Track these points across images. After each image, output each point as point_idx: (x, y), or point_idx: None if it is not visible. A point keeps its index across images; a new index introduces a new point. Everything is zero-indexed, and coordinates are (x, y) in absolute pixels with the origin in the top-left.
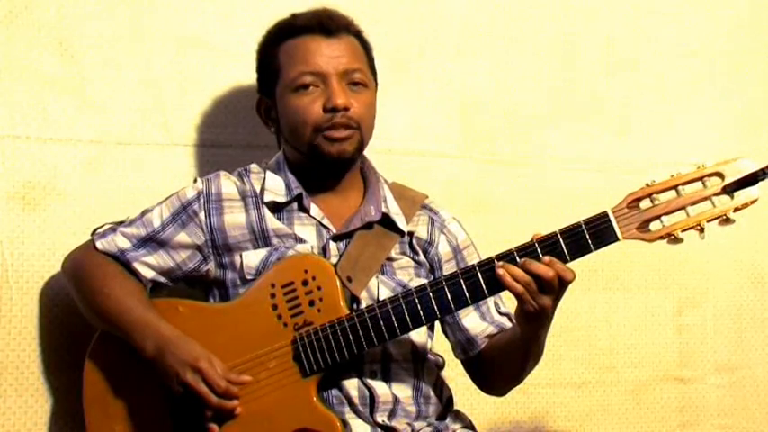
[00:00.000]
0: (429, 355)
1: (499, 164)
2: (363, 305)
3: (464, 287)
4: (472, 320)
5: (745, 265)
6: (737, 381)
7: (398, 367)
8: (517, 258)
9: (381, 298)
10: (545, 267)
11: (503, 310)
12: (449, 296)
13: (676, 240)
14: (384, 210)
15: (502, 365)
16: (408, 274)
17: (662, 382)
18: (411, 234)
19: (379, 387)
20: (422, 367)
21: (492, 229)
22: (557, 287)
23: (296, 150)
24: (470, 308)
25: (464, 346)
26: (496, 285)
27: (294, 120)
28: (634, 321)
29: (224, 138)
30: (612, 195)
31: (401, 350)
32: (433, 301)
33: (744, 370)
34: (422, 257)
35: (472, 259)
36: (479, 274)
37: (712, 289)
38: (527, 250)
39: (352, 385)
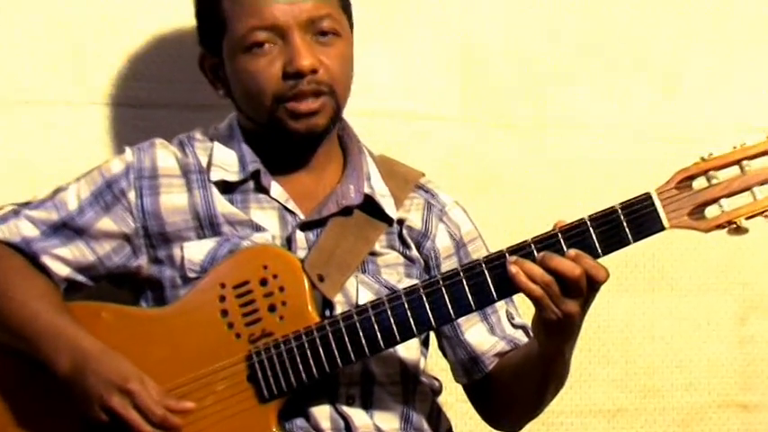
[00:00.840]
0: (422, 377)
1: (511, 130)
2: (338, 311)
3: (467, 289)
4: (478, 334)
5: None
6: None
7: (383, 391)
8: (535, 252)
9: (362, 302)
10: (570, 264)
11: (517, 321)
12: (447, 300)
13: (739, 230)
14: (367, 191)
15: (515, 392)
16: (397, 274)
17: (720, 410)
18: (401, 222)
19: (358, 417)
20: (413, 392)
21: (502, 212)
22: (585, 289)
23: (252, 121)
24: (475, 317)
25: (467, 366)
26: (508, 287)
27: (248, 87)
28: (684, 332)
29: (157, 95)
30: (656, 170)
31: (386, 369)
32: (426, 306)
33: None
34: (414, 252)
35: (480, 255)
36: (486, 272)
37: None
38: (547, 242)
39: (322, 414)
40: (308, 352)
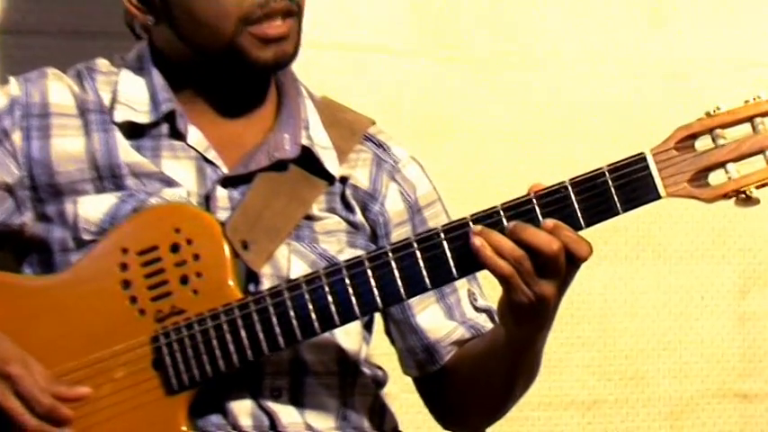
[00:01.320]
0: (364, 367)
1: (472, 65)
2: (265, 286)
3: (421, 263)
4: (432, 317)
5: None
6: None
7: (317, 384)
8: (504, 221)
9: (294, 276)
10: (547, 237)
11: (480, 303)
12: (397, 277)
13: (749, 200)
14: (305, 141)
15: (476, 388)
16: (338, 242)
17: (715, 400)
18: (345, 180)
19: (286, 413)
20: (352, 384)
21: (457, 163)
22: (563, 268)
23: (196, 52)
24: (430, 297)
25: (418, 356)
26: (471, 262)
27: (204, 9)
28: (674, 308)
29: (40, 20)
30: (644, 112)
31: (321, 357)
32: (372, 283)
33: None
34: (359, 217)
35: (438, 223)
36: (445, 243)
37: None
38: (520, 209)
39: (243, 409)
40: (227, 335)
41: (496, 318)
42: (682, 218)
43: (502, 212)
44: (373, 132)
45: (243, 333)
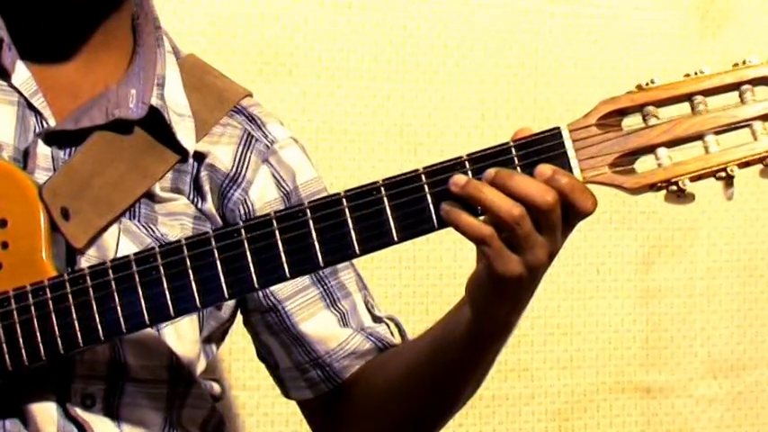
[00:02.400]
0: (197, 378)
1: None
2: (86, 265)
3: (280, 245)
4: (323, 325)
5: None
6: (744, 392)
7: (139, 392)
8: (468, 170)
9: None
10: (539, 185)
11: (378, 313)
12: (250, 261)
13: (681, 195)
14: (155, 101)
15: (404, 405)
16: (181, 228)
17: (612, 395)
18: (202, 158)
19: (99, 426)
20: (183, 395)
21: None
22: (558, 224)
23: None
24: (317, 303)
25: (309, 372)
26: (418, 224)
27: None
28: (563, 284)
29: None
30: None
31: (147, 362)
32: (219, 266)
33: (754, 372)
34: (209, 205)
35: None
36: (385, 194)
37: (706, 227)
38: (493, 159)
39: (45, 418)
40: (35, 321)
41: (399, 323)
42: None
43: (468, 162)
44: (247, 104)
45: (54, 320)
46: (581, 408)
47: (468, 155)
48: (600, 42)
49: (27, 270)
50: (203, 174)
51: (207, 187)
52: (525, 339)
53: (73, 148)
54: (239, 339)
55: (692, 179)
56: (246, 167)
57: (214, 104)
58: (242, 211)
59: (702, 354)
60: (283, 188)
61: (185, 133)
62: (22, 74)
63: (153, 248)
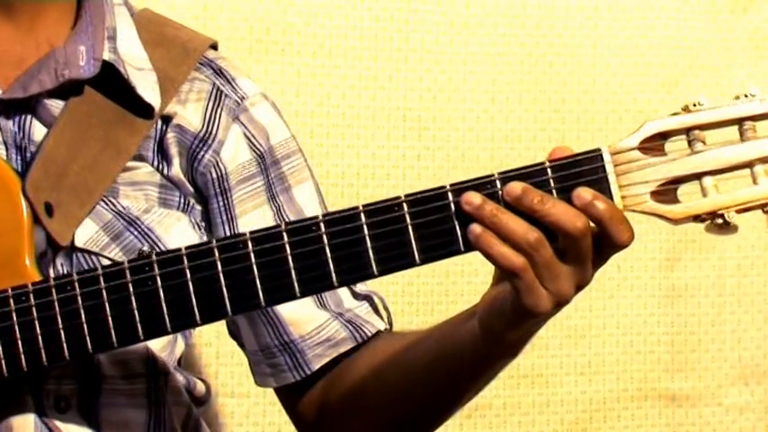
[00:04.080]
0: (175, 371)
1: None
2: (57, 265)
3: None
4: (298, 305)
5: None
6: None
7: (115, 390)
8: (499, 191)
9: (80, 242)
10: (567, 209)
11: (361, 288)
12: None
13: (725, 227)
14: (108, 56)
15: (392, 411)
16: (145, 199)
17: (634, 404)
18: (168, 120)
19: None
20: (162, 391)
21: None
22: (588, 254)
23: None
24: None
25: (276, 358)
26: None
27: None
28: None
29: None
30: None
31: (120, 357)
32: (222, 279)
33: None
34: (175, 170)
35: (299, 179)
36: (407, 211)
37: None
38: (527, 180)
39: (21, 424)
40: (17, 330)
41: (382, 306)
42: None
43: (499, 181)
44: (213, 57)
45: (37, 328)
46: (600, 417)
47: (500, 173)
48: (621, 19)
49: (7, 272)
50: (170, 136)
51: (173, 150)
52: (540, 342)
53: (21, 119)
54: (227, 343)
55: (739, 211)
56: (217, 126)
57: (179, 58)
58: (214, 175)
59: (733, 358)
60: (257, 149)
61: (146, 86)
62: None
63: (149, 256)
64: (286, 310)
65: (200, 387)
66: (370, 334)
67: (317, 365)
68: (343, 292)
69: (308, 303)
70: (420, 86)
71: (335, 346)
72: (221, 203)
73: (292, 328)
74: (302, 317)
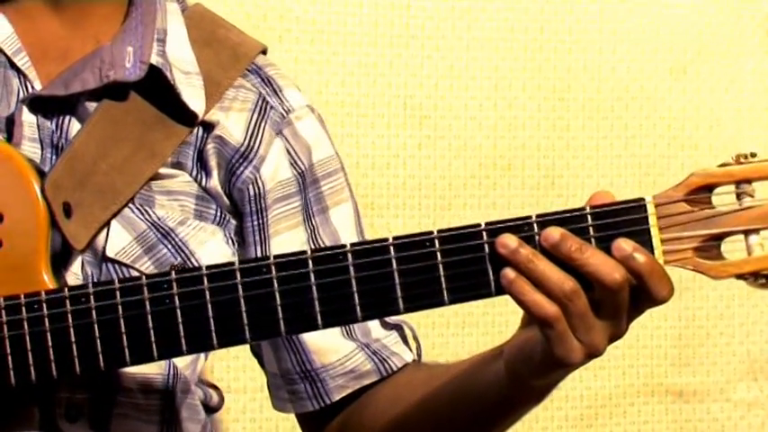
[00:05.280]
0: (195, 386)
1: None
2: (75, 269)
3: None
4: (325, 333)
5: None
6: None
7: (129, 407)
8: (536, 235)
9: (111, 252)
10: (606, 260)
11: (391, 317)
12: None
13: (766, 286)
14: (155, 59)
15: None
16: (181, 210)
17: (641, 400)
18: (210, 128)
19: None
20: (177, 408)
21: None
22: (624, 307)
23: None
24: None
25: (297, 385)
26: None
27: None
28: None
29: None
30: None
31: (139, 372)
32: (242, 304)
33: None
34: (214, 182)
35: (337, 201)
36: (439, 248)
37: None
38: (565, 226)
39: None
40: (27, 339)
41: (407, 338)
42: (590, 158)
43: (535, 223)
44: (262, 64)
45: (49, 339)
46: (606, 413)
47: (537, 215)
48: (628, 3)
49: (21, 276)
50: (210, 146)
51: (213, 162)
52: None
53: (60, 118)
54: None
55: None
56: (259, 141)
57: (228, 62)
58: (252, 192)
59: (741, 352)
60: (297, 167)
61: (192, 93)
62: (3, 29)
63: (169, 273)
64: (311, 338)
65: (215, 397)
66: (395, 368)
67: (337, 396)
68: (372, 321)
69: (334, 332)
70: (421, 73)
71: (359, 378)
72: (256, 222)
73: (316, 357)
74: (327, 346)
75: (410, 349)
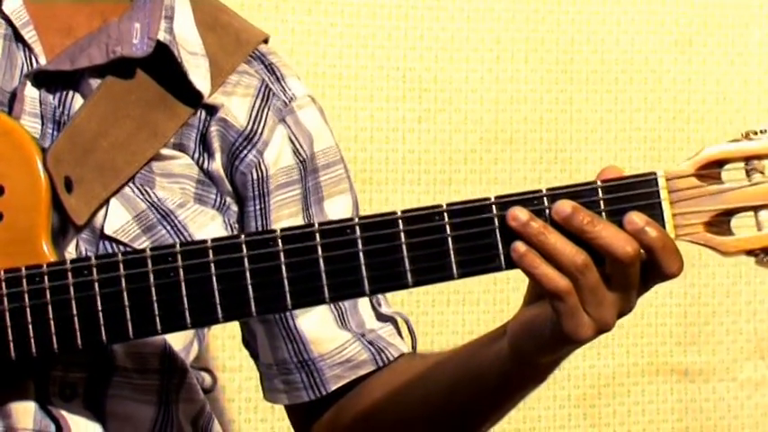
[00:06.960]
0: (191, 373)
1: None
2: (71, 246)
3: (321, 264)
4: (320, 324)
5: None
6: None
7: (127, 383)
8: (546, 209)
9: (109, 230)
10: (619, 233)
11: (385, 309)
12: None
13: None
14: (163, 36)
15: None
16: (182, 193)
17: (646, 379)
18: (213, 111)
19: (78, 421)
20: (176, 388)
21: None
22: (635, 281)
23: None
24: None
25: (292, 375)
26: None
27: None
28: None
29: None
30: None
31: (135, 347)
32: (248, 276)
33: None
34: (216, 165)
35: (334, 192)
36: (448, 222)
37: None
38: (576, 200)
39: (23, 412)
40: (28, 312)
41: (407, 328)
42: (594, 132)
43: (546, 197)
44: (265, 51)
45: (50, 313)
46: (609, 393)
47: (548, 189)
48: None
49: (22, 248)
50: (213, 129)
51: (216, 144)
52: None
53: (63, 93)
54: None
55: None
56: (263, 126)
57: (231, 47)
58: (254, 176)
59: (748, 331)
60: (300, 155)
61: (198, 73)
62: (13, 1)
63: (174, 245)
64: (308, 327)
65: (208, 379)
66: (392, 358)
67: (334, 386)
68: (367, 313)
69: (329, 322)
70: (421, 45)
71: (355, 368)
72: (257, 207)
73: (313, 346)
74: (324, 335)
75: (405, 341)
